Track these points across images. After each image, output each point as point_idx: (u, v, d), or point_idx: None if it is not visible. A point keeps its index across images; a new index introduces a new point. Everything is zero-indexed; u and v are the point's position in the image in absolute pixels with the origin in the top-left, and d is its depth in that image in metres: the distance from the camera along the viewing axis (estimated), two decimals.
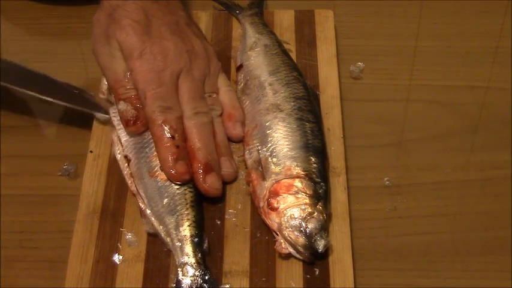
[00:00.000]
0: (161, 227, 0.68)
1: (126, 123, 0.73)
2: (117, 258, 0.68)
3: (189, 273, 0.66)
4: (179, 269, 0.66)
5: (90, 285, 0.67)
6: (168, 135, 0.71)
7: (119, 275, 0.67)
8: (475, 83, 0.86)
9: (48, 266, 0.71)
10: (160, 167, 0.71)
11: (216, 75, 0.78)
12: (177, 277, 0.66)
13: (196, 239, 0.67)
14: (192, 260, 0.66)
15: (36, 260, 0.71)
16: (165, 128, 0.71)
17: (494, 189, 0.77)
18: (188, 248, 0.67)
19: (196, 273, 0.66)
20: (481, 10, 0.93)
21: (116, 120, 0.75)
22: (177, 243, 0.67)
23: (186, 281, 0.65)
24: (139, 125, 0.73)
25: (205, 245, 0.68)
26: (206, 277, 0.66)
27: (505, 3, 0.94)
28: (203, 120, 0.73)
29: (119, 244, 0.69)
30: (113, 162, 0.75)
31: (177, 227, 0.68)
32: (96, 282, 0.67)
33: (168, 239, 0.68)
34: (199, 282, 0.65)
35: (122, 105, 0.74)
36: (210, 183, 0.71)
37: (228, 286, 0.66)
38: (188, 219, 0.68)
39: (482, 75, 0.87)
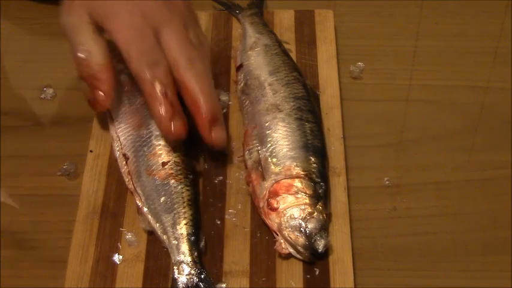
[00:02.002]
0: (158, 225, 0.68)
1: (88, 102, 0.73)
2: (117, 258, 0.68)
3: (184, 271, 0.66)
4: (175, 267, 0.66)
5: (90, 285, 0.67)
6: (161, 92, 0.69)
7: (118, 275, 0.67)
8: (475, 83, 0.86)
9: (48, 266, 0.71)
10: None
11: (198, 25, 0.75)
12: (173, 275, 0.66)
13: (192, 238, 0.67)
14: (188, 259, 0.66)
15: (36, 260, 0.71)
16: (156, 84, 0.68)
17: (494, 189, 0.77)
18: (184, 247, 0.67)
19: (192, 271, 0.66)
20: (481, 10, 0.93)
21: (114, 117, 0.75)
22: (173, 242, 0.67)
23: (182, 279, 0.66)
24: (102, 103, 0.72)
25: (202, 243, 0.68)
26: (202, 276, 0.66)
27: (505, 3, 0.94)
28: (200, 69, 0.70)
29: (119, 244, 0.69)
30: (113, 162, 0.75)
31: (174, 225, 0.68)
32: (96, 282, 0.67)
33: (165, 237, 0.68)
34: (195, 280, 0.65)
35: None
36: (216, 135, 0.70)
37: (224, 285, 0.66)
38: (185, 218, 0.68)
39: (482, 75, 0.87)
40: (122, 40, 0.70)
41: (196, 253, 0.67)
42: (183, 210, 0.69)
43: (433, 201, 0.76)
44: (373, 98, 0.85)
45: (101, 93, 0.72)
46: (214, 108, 0.70)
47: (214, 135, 0.70)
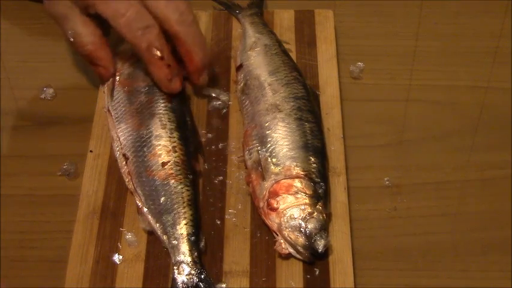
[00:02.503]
0: (158, 225, 0.68)
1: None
2: (117, 258, 0.68)
3: (184, 271, 0.66)
4: (175, 267, 0.66)
5: (90, 285, 0.67)
6: (157, 56, 0.73)
7: (118, 275, 0.67)
8: (475, 83, 0.86)
9: (48, 266, 0.71)
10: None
11: None
12: (173, 275, 0.66)
13: (192, 238, 0.67)
14: (188, 259, 0.66)
15: (36, 260, 0.71)
16: (152, 49, 0.73)
17: (494, 189, 0.77)
18: (184, 247, 0.67)
19: (192, 271, 0.66)
20: (481, 10, 0.93)
21: (114, 117, 0.75)
22: (173, 242, 0.67)
23: (182, 279, 0.66)
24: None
25: (202, 244, 0.68)
26: (202, 276, 0.66)
27: (505, 3, 0.94)
28: (190, 20, 0.74)
29: (119, 244, 0.69)
30: (113, 162, 0.75)
31: (174, 225, 0.68)
32: (96, 282, 0.67)
33: (165, 237, 0.68)
34: (195, 280, 0.66)
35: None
36: (203, 79, 0.78)
37: (224, 286, 0.66)
38: (185, 218, 0.68)
39: (482, 75, 0.87)
40: (108, 11, 0.73)
41: (196, 253, 0.67)
42: (183, 211, 0.69)
43: (433, 201, 0.76)
44: (373, 98, 0.85)
45: (101, 68, 0.78)
46: (205, 58, 0.76)
47: (202, 79, 0.78)
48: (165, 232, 0.68)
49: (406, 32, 0.91)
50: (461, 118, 0.83)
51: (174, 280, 0.66)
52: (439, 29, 0.92)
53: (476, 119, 0.83)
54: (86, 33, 0.76)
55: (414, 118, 0.83)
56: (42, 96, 0.84)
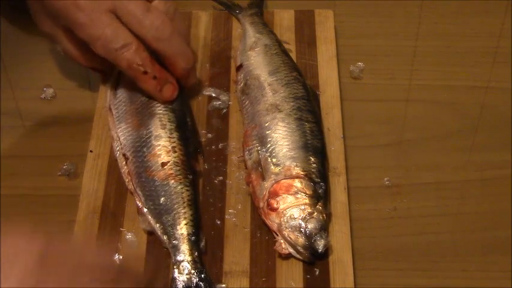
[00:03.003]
0: (158, 225, 0.68)
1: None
2: (117, 258, 0.68)
3: (185, 271, 0.66)
4: (175, 267, 0.66)
5: None
6: (140, 71, 0.73)
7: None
8: (475, 83, 0.86)
9: None
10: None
11: None
12: (173, 275, 0.66)
13: (193, 238, 0.67)
14: (189, 258, 0.66)
15: None
16: (133, 67, 0.73)
17: (494, 189, 0.77)
18: (185, 247, 0.67)
19: (192, 271, 0.66)
20: (481, 10, 0.93)
21: (115, 116, 0.75)
22: (173, 242, 0.67)
23: (182, 278, 0.66)
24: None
25: (202, 243, 0.68)
26: (202, 275, 0.66)
27: (505, 3, 0.94)
28: (169, 29, 0.73)
29: (119, 244, 0.69)
30: (113, 162, 0.75)
31: (174, 225, 0.68)
32: None
33: (165, 237, 0.68)
34: (195, 280, 0.65)
35: None
36: (191, 81, 0.78)
37: (224, 286, 0.66)
38: (185, 218, 0.68)
39: (482, 75, 0.87)
40: (84, 36, 0.72)
41: (196, 253, 0.67)
42: (183, 211, 0.69)
43: (433, 201, 0.76)
44: (373, 98, 0.85)
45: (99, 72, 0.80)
46: (188, 64, 0.76)
47: (189, 82, 0.78)
48: (165, 232, 0.68)
49: (406, 32, 0.91)
50: (461, 118, 0.83)
51: (174, 280, 0.66)
52: (439, 29, 0.92)
53: (476, 119, 0.83)
54: (73, 49, 0.77)
55: (414, 118, 0.83)
56: (42, 96, 0.84)
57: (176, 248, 0.67)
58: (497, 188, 0.77)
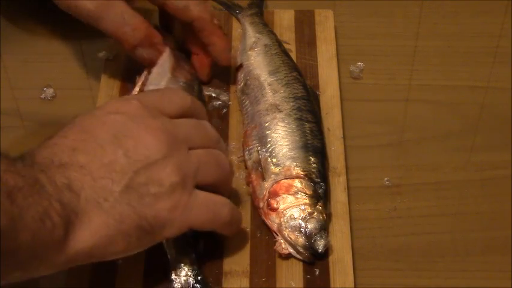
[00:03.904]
0: None
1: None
2: None
3: (182, 272, 0.66)
4: (172, 268, 0.66)
5: (90, 285, 0.66)
6: (218, 24, 0.78)
7: (118, 275, 0.67)
8: (475, 83, 0.86)
9: None
10: None
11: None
12: (170, 276, 0.66)
13: (191, 239, 0.67)
14: (186, 260, 0.66)
15: None
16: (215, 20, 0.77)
17: (494, 189, 0.77)
18: (182, 248, 0.67)
19: (189, 273, 0.66)
20: (481, 10, 0.93)
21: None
22: (171, 242, 0.67)
23: (179, 280, 0.65)
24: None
25: (201, 245, 0.68)
26: (199, 277, 0.65)
27: (505, 3, 0.94)
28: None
29: None
30: None
31: None
32: (96, 282, 0.67)
33: None
34: (191, 282, 0.65)
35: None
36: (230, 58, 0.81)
37: None
38: None
39: (482, 75, 0.87)
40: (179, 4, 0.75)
41: (194, 255, 0.67)
42: None
43: (433, 201, 0.76)
44: (373, 98, 0.85)
45: (158, 46, 0.76)
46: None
47: (229, 57, 0.81)
48: None
49: (406, 32, 0.91)
50: (461, 118, 0.83)
51: (171, 281, 0.66)
52: (439, 29, 0.92)
53: (476, 119, 0.83)
54: (136, 13, 0.74)
55: (414, 118, 0.83)
56: (42, 96, 0.84)
57: (174, 249, 0.67)
58: (497, 188, 0.77)
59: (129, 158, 0.59)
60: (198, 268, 0.66)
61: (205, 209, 0.62)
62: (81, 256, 0.57)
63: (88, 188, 0.57)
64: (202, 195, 0.62)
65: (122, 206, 0.58)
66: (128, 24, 0.73)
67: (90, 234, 0.56)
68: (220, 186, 0.65)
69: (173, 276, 0.66)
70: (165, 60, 0.76)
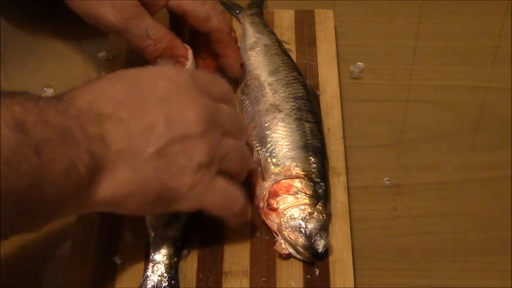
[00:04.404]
0: (150, 219, 0.68)
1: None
2: (117, 258, 0.68)
3: (158, 272, 0.66)
4: (150, 264, 0.66)
5: (90, 286, 0.66)
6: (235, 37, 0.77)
7: (118, 275, 0.67)
8: (475, 83, 0.86)
9: (48, 266, 0.71)
10: None
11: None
12: (146, 271, 0.66)
13: (178, 243, 0.67)
14: (166, 262, 0.66)
15: (36, 260, 0.71)
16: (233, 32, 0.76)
17: (494, 189, 0.77)
18: (166, 249, 0.66)
19: (165, 274, 0.65)
20: (481, 10, 0.93)
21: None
22: (158, 240, 0.67)
23: (153, 278, 0.65)
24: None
25: (186, 251, 0.67)
26: (172, 282, 0.65)
27: (505, 3, 0.94)
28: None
29: (119, 244, 0.69)
30: None
31: (166, 224, 0.67)
32: (96, 282, 0.67)
33: (152, 233, 0.67)
34: (164, 284, 0.65)
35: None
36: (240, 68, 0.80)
37: None
38: (178, 222, 0.68)
39: (482, 75, 0.87)
40: (188, 5, 0.74)
41: (176, 258, 0.66)
42: (179, 214, 0.68)
43: (433, 201, 0.76)
44: (373, 98, 0.85)
45: (180, 58, 0.75)
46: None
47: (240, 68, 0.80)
48: (154, 228, 0.68)
49: (406, 32, 0.91)
50: (461, 118, 0.83)
51: (146, 277, 0.65)
52: (439, 29, 0.92)
53: (476, 119, 0.83)
54: (160, 25, 0.74)
55: (414, 118, 0.83)
56: (42, 96, 0.84)
57: (158, 247, 0.67)
58: (497, 188, 0.77)
59: (168, 125, 0.60)
60: (176, 273, 0.66)
61: (221, 196, 0.64)
62: (96, 206, 0.58)
63: (121, 142, 0.57)
64: (222, 182, 0.63)
65: (149, 169, 0.59)
66: (151, 37, 0.73)
67: (112, 187, 0.57)
68: (237, 179, 0.66)
69: (149, 272, 0.66)
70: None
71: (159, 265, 0.66)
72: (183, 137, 0.60)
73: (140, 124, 0.59)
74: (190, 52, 0.75)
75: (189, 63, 0.75)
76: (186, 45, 0.75)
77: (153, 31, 0.72)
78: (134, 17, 0.72)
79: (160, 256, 0.66)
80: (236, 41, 0.78)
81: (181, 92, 0.62)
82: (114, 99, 0.59)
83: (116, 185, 0.58)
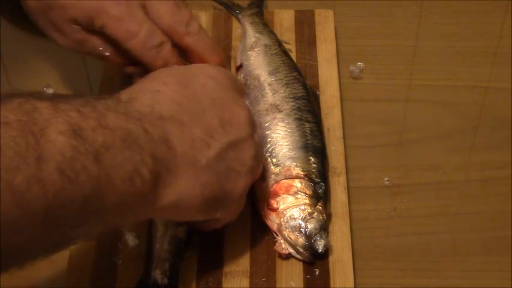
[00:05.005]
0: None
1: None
2: (117, 258, 0.68)
3: (162, 268, 0.65)
4: (155, 260, 0.66)
5: (90, 286, 0.66)
6: None
7: (119, 275, 0.67)
8: (475, 83, 0.86)
9: (48, 266, 0.71)
10: None
11: None
12: (150, 266, 0.65)
13: (183, 245, 0.67)
14: (171, 260, 0.65)
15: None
16: (170, 66, 0.69)
17: (494, 189, 0.77)
18: (173, 248, 0.66)
19: (167, 272, 0.65)
20: (481, 10, 0.93)
21: None
22: (167, 238, 0.67)
23: (156, 274, 0.65)
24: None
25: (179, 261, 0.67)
26: (173, 281, 0.65)
27: (505, 3, 0.94)
28: (198, 27, 0.72)
29: (119, 244, 0.69)
30: None
31: (177, 224, 0.67)
32: (96, 282, 0.67)
33: (162, 229, 0.67)
34: (165, 282, 0.65)
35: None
36: None
37: None
38: (188, 224, 0.67)
39: (482, 75, 0.87)
40: (120, 33, 0.70)
41: (179, 259, 0.66)
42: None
43: (433, 201, 0.76)
44: (373, 98, 0.85)
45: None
46: (221, 59, 0.74)
47: None
48: (165, 225, 0.67)
49: (406, 32, 0.91)
50: (461, 118, 0.83)
51: (149, 271, 0.65)
52: (439, 29, 0.92)
53: (476, 119, 0.83)
54: (108, 48, 0.72)
55: (414, 118, 0.83)
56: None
57: (165, 245, 0.66)
58: (497, 188, 0.77)
59: (224, 128, 0.59)
60: (178, 273, 0.66)
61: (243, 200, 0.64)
62: (160, 212, 0.57)
63: (185, 146, 0.56)
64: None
65: (210, 173, 0.58)
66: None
67: (177, 192, 0.56)
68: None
69: (152, 267, 0.65)
70: None
71: (164, 262, 0.66)
72: (237, 141, 0.60)
73: (200, 127, 0.58)
74: None
75: None
76: None
77: (105, 50, 0.72)
78: (78, 42, 0.72)
79: (167, 254, 0.66)
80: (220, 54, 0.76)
81: (227, 92, 0.61)
82: (174, 102, 0.57)
83: (181, 190, 0.56)
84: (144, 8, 0.70)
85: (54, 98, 0.50)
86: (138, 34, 0.69)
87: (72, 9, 0.70)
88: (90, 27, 0.70)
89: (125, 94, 0.56)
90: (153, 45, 0.70)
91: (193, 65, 0.69)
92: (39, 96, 0.49)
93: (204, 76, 0.62)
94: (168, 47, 0.70)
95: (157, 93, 0.57)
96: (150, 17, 0.70)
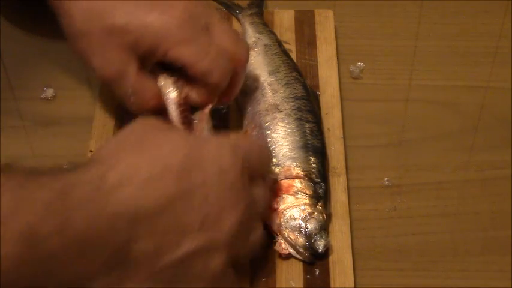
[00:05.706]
0: None
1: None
2: None
3: None
4: None
5: None
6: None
7: None
8: (475, 83, 0.86)
9: None
10: None
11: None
12: None
13: None
14: None
15: None
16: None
17: (494, 189, 0.77)
18: None
19: None
20: (481, 10, 0.93)
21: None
22: None
23: None
24: None
25: None
26: None
27: (505, 3, 0.94)
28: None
29: None
30: None
31: None
32: None
33: None
34: None
35: None
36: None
37: None
38: None
39: (482, 75, 0.87)
40: (191, 55, 0.67)
41: None
42: None
43: (433, 201, 0.76)
44: (373, 98, 0.85)
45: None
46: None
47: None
48: None
49: (406, 32, 0.91)
50: (461, 118, 0.83)
51: None
52: (439, 29, 0.92)
53: (476, 119, 0.83)
54: (148, 88, 0.69)
55: (414, 118, 0.83)
56: (42, 96, 0.84)
57: None
58: (497, 188, 0.77)
59: (201, 229, 0.55)
60: None
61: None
62: None
63: (149, 244, 0.53)
64: (231, 275, 0.60)
65: (166, 275, 0.55)
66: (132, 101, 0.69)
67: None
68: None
69: None
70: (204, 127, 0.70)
71: None
72: (210, 245, 0.56)
73: (175, 223, 0.54)
74: (206, 112, 0.70)
75: (205, 127, 0.69)
76: (205, 108, 0.70)
77: (135, 93, 0.68)
78: (117, 74, 0.68)
79: None
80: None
81: (226, 191, 0.57)
82: (165, 196, 0.53)
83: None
84: (207, 30, 0.68)
85: (22, 184, 0.47)
86: (209, 52, 0.66)
87: (134, 33, 0.66)
88: (149, 53, 0.67)
89: (115, 173, 0.52)
90: (224, 65, 0.67)
91: (211, 139, 0.63)
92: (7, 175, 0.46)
93: (214, 167, 0.57)
94: (229, 64, 0.68)
95: (152, 181, 0.53)
96: (214, 41, 0.68)
